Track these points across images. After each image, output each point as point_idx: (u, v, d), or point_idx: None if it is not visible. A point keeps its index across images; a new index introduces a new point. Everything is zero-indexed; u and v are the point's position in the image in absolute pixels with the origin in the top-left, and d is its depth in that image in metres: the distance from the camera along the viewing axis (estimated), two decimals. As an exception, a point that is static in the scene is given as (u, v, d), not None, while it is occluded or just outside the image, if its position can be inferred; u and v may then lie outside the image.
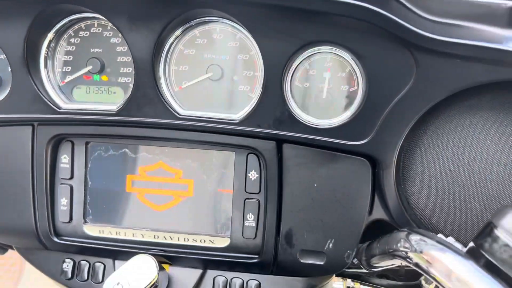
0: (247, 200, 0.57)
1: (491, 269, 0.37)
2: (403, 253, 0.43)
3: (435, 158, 0.51)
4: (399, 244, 0.44)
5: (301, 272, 0.58)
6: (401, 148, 0.51)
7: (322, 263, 0.56)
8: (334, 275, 0.63)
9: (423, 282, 0.56)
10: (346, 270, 0.63)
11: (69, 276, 0.63)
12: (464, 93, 0.48)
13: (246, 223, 0.57)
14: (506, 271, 0.36)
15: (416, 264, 0.42)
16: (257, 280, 0.60)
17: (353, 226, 0.54)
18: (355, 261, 0.58)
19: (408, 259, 0.43)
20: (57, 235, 0.61)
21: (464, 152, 0.50)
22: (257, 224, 0.57)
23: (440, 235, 0.43)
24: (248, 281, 0.60)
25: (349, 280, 0.74)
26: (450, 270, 0.39)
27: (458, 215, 0.51)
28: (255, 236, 0.57)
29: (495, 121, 0.49)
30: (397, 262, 0.49)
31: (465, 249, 0.40)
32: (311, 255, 0.56)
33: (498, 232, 0.36)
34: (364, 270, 0.63)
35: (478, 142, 0.50)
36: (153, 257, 0.55)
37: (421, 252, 0.41)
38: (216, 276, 0.61)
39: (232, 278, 0.60)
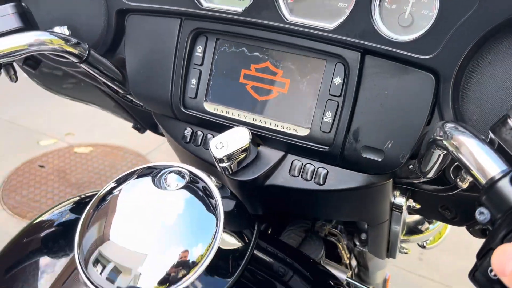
0: (328, 100, 0.70)
1: (500, 150, 0.46)
2: (439, 141, 0.53)
3: (492, 79, 0.59)
4: (435, 134, 0.53)
5: (361, 166, 0.70)
6: (462, 66, 0.59)
7: (380, 159, 0.67)
8: (392, 180, 0.73)
9: (458, 182, 0.63)
10: (402, 179, 0.73)
11: (187, 140, 0.83)
12: None
13: (325, 119, 0.71)
14: (509, 150, 0.45)
15: (448, 150, 0.51)
16: (326, 169, 0.73)
17: (411, 131, 0.64)
18: (411, 167, 0.69)
19: (442, 147, 0.53)
20: (185, 107, 0.81)
21: None
22: (333, 121, 0.70)
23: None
24: (318, 168, 0.74)
25: (411, 200, 0.83)
26: (471, 153, 0.48)
27: None
28: (330, 131, 0.70)
29: None
30: (438, 156, 0.58)
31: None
32: (372, 151, 0.68)
33: (509, 120, 0.45)
34: (418, 181, 0.72)
35: None
36: (249, 130, 0.72)
37: (451, 138, 0.51)
38: (294, 160, 0.75)
39: (306, 164, 0.75)
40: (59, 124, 3.45)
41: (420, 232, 0.97)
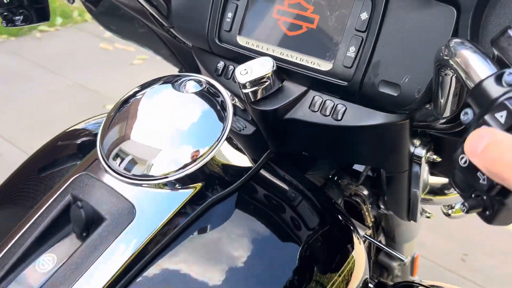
0: (354, 35, 0.72)
1: (499, 63, 0.46)
2: (446, 60, 0.53)
3: None
4: (441, 54, 0.54)
5: (378, 102, 0.71)
6: None
7: (396, 94, 0.68)
8: (409, 122, 0.73)
9: (461, 117, 0.63)
10: (418, 123, 0.73)
11: (219, 73, 0.88)
12: None
13: (348, 54, 0.72)
14: (504, 58, 0.45)
15: (452, 68, 0.51)
16: (345, 106, 0.75)
17: (429, 66, 0.64)
18: (427, 106, 0.69)
19: (446, 66, 0.53)
20: (219, 40, 0.86)
21: None
22: (355, 55, 0.71)
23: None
24: (337, 104, 0.75)
25: (431, 152, 0.82)
26: (474, 69, 0.48)
27: None
28: (351, 66, 0.72)
29: None
30: (450, 85, 0.58)
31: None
32: (389, 85, 0.68)
33: (509, 30, 0.45)
34: (436, 123, 0.72)
35: None
36: (272, 60, 0.75)
37: (455, 55, 0.51)
38: (315, 96, 0.78)
39: (326, 100, 0.77)
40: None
41: (444, 194, 0.96)
